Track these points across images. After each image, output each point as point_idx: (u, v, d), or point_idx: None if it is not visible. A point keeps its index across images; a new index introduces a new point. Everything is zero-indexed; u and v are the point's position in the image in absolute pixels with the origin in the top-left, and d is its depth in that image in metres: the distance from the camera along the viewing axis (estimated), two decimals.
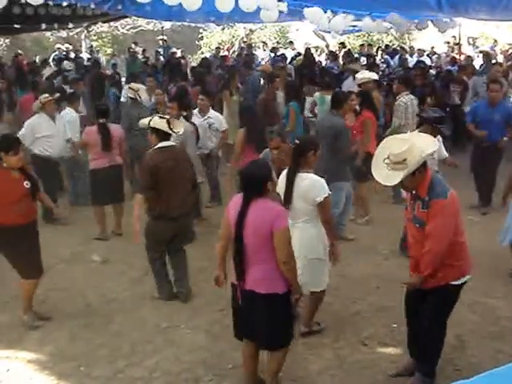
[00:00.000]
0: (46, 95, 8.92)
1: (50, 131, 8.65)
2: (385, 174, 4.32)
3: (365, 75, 9.78)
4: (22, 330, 5.78)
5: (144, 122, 6.40)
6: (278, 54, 19.94)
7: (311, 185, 5.14)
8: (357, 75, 10.07)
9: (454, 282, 4.50)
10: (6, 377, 5.08)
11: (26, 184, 5.60)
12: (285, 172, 5.35)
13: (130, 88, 9.95)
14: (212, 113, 9.07)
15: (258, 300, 4.39)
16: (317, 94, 10.76)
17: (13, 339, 5.63)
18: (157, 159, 6.07)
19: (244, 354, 4.75)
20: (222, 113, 11.58)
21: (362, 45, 20.93)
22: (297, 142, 5.37)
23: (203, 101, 9.00)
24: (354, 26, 14.61)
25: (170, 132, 6.19)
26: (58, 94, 9.44)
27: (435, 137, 6.17)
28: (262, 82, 12.56)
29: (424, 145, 4.33)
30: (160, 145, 6.16)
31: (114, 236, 8.32)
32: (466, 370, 4.80)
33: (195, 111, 9.06)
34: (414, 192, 4.46)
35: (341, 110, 7.71)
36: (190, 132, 8.10)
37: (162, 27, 22.06)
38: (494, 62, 14.67)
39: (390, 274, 6.81)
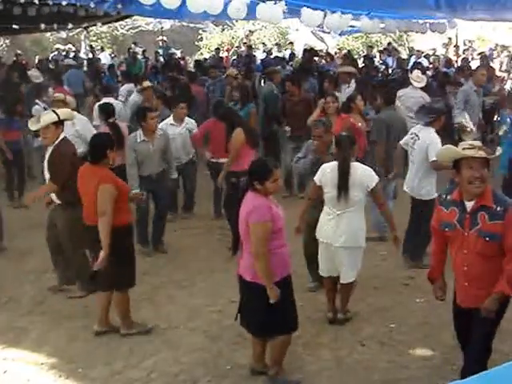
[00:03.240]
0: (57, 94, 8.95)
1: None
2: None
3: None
4: (19, 332, 5.76)
5: (49, 116, 6.26)
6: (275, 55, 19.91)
7: (364, 173, 5.51)
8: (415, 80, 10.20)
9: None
10: (3, 379, 5.07)
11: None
12: (330, 164, 5.61)
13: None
14: (187, 119, 8.75)
15: (245, 286, 4.65)
16: None
17: (10, 340, 5.61)
18: (71, 149, 6.39)
19: (252, 338, 4.92)
20: None
21: (370, 46, 21.00)
22: (344, 134, 5.83)
23: (183, 109, 8.60)
24: (353, 27, 14.51)
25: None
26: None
27: (442, 127, 6.45)
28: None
29: None
30: (63, 135, 6.38)
31: None
32: None
33: (170, 120, 8.58)
34: (473, 202, 4.13)
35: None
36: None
37: (162, 28, 22.06)
38: (481, 64, 14.58)
39: (388, 274, 6.82)
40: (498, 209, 4.08)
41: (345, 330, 5.68)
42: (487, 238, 4.11)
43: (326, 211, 5.65)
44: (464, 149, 4.12)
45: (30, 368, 5.18)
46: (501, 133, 8.82)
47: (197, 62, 17.80)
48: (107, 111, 8.29)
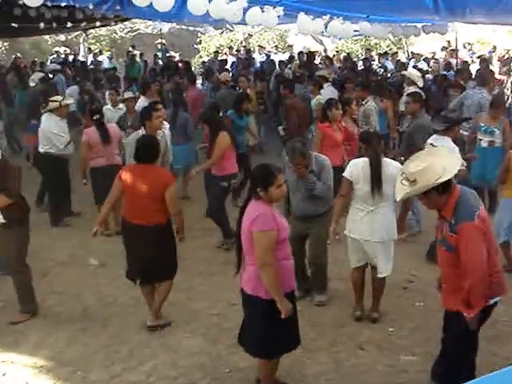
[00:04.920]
0: (67, 99, 9.06)
1: (62, 130, 8.73)
2: (397, 187, 4.23)
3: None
4: (18, 335, 5.77)
5: None
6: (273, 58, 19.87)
7: (395, 167, 5.54)
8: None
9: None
10: (2, 381, 5.06)
11: None
12: (360, 159, 5.71)
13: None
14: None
15: (245, 299, 4.51)
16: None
17: (9, 343, 5.61)
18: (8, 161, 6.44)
19: None
20: None
21: (368, 49, 21.10)
22: (370, 132, 6.25)
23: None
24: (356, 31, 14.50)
25: None
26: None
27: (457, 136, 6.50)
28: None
29: (442, 168, 4.04)
30: None
31: (116, 235, 8.35)
32: None
33: None
34: (440, 212, 4.21)
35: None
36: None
37: (161, 30, 21.98)
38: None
39: (387, 278, 6.79)
40: (453, 222, 4.07)
41: (344, 333, 5.68)
42: (444, 248, 4.21)
43: (356, 208, 5.73)
44: (402, 177, 4.14)
45: (29, 371, 5.17)
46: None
47: (185, 62, 17.84)
48: (93, 111, 8.59)
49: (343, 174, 5.76)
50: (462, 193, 4.16)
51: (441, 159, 4.14)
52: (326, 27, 10.76)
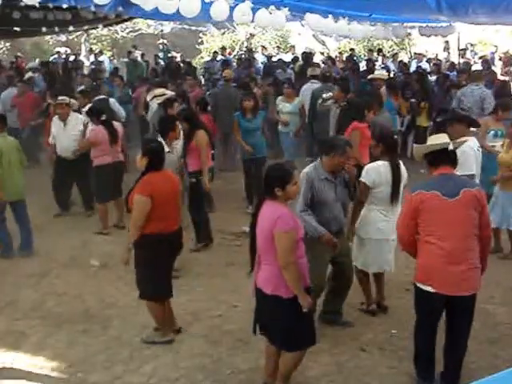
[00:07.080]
0: (61, 98, 9.13)
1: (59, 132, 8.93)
2: None
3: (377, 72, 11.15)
4: (18, 336, 5.75)
5: None
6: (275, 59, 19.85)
7: (403, 167, 5.82)
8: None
9: (417, 283, 4.67)
10: (2, 383, 5.03)
11: None
12: (378, 164, 5.72)
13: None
14: None
15: (264, 299, 4.47)
16: None
17: (9, 344, 5.59)
18: None
19: (265, 351, 4.80)
20: None
21: (370, 50, 21.14)
22: (392, 136, 6.19)
23: None
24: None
25: None
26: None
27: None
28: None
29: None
30: None
31: (116, 230, 8.49)
32: (465, 376, 4.76)
33: None
34: None
35: None
36: None
37: (162, 31, 21.99)
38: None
39: (389, 279, 6.78)
40: None
41: (345, 335, 5.66)
42: None
43: (377, 210, 5.72)
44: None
45: (29, 372, 5.14)
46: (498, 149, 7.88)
47: (187, 63, 17.87)
48: (97, 111, 8.66)
49: (363, 180, 5.66)
50: (439, 176, 4.52)
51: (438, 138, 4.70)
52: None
